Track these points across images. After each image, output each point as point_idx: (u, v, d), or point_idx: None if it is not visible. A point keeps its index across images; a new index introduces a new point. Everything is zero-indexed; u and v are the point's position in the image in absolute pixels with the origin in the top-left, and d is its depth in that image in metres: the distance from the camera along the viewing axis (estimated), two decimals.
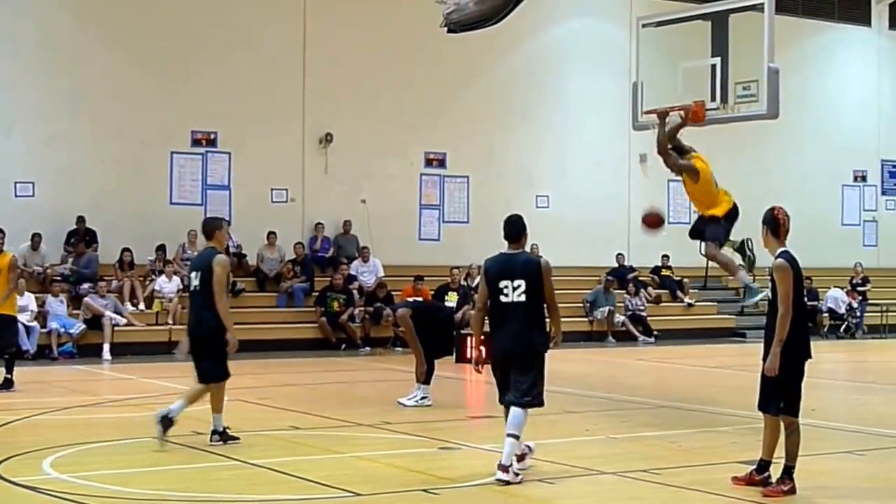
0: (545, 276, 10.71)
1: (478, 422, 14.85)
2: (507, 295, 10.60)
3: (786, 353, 9.73)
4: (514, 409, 10.52)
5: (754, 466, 10.13)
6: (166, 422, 12.20)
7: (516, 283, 10.58)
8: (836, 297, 32.77)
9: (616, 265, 31.66)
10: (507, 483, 10.17)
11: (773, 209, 10.22)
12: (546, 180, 32.01)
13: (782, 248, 10.11)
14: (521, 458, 10.64)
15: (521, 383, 10.54)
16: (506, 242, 10.89)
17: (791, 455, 9.89)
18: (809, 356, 9.91)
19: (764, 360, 9.88)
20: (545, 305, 10.81)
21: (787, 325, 9.68)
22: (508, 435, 10.39)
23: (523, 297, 10.56)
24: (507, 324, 10.61)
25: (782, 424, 9.92)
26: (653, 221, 14.66)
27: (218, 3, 28.02)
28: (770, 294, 9.97)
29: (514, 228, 10.96)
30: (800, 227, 40.72)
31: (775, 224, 10.12)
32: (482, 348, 10.98)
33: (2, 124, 26.09)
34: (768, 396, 9.91)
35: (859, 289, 33.58)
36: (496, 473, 10.31)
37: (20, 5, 26.32)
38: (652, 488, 10.31)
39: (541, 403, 10.67)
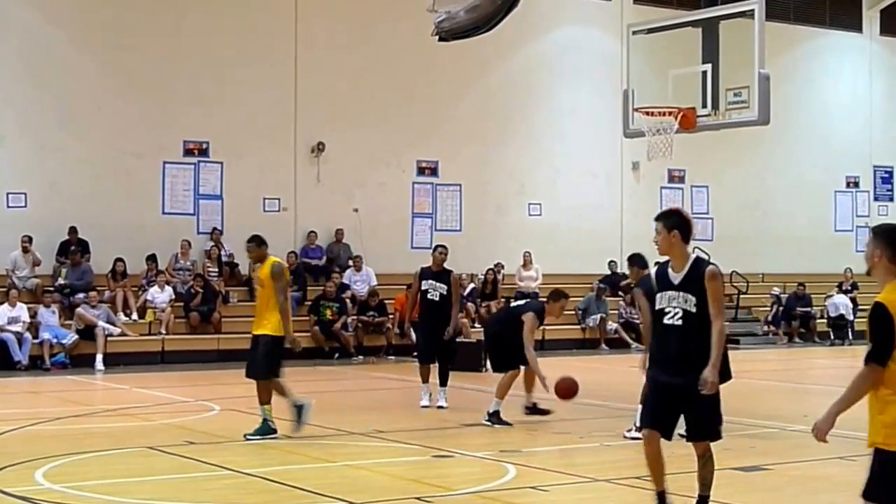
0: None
1: (471, 429, 14.83)
2: None
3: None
4: None
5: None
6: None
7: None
8: (836, 304, 32.53)
9: (608, 273, 31.64)
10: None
11: (679, 210, 9.16)
12: (538, 188, 32.01)
13: (697, 255, 8.90)
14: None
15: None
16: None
17: (709, 484, 9.08)
18: (730, 377, 9.49)
19: (670, 381, 8.75)
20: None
21: (724, 337, 8.67)
22: None
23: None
24: None
25: (695, 451, 9.04)
26: (567, 390, 14.15)
27: (209, 13, 27.99)
28: (690, 304, 8.64)
29: None
30: (793, 233, 40.94)
31: (688, 227, 8.82)
32: None
33: None
34: (700, 421, 8.84)
35: (849, 294, 33.53)
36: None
37: (7, 18, 26.25)
38: (645, 495, 10.29)
39: None
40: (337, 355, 26.13)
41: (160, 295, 25.72)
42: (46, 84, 26.42)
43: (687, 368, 8.61)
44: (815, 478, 11.13)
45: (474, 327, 27.48)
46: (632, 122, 19.63)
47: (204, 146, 27.82)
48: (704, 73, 18.63)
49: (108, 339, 24.13)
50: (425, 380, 17.20)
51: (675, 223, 8.82)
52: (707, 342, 8.60)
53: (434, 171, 30.61)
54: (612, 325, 29.82)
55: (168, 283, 26.04)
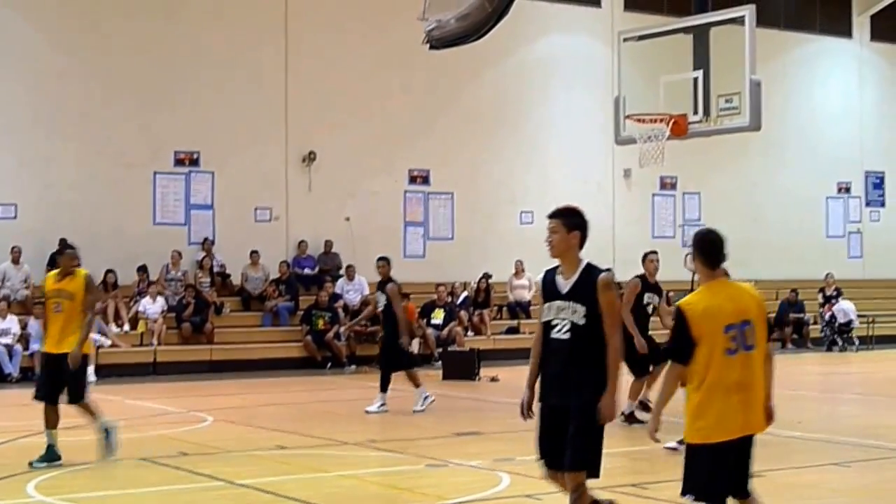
0: None
1: (464, 438, 14.79)
2: None
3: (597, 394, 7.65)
4: None
5: None
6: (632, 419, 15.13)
7: None
8: (845, 309, 32.22)
9: None
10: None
11: (580, 210, 8.37)
12: (530, 196, 31.93)
13: (588, 261, 8.19)
14: None
15: None
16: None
17: None
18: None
19: (556, 403, 7.75)
20: None
21: (620, 356, 7.81)
22: None
23: None
24: None
25: (567, 484, 7.82)
26: None
27: (199, 23, 27.96)
28: (579, 316, 7.87)
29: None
30: (785, 239, 40.72)
31: (587, 232, 8.30)
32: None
33: None
34: (572, 448, 7.68)
35: (833, 301, 33.13)
36: None
37: None
38: (640, 503, 10.27)
39: None
40: (329, 365, 26.09)
41: (152, 306, 25.65)
42: (36, 94, 26.35)
43: (571, 388, 7.64)
44: (809, 484, 11.10)
45: (467, 336, 27.46)
46: (623, 130, 19.63)
47: (195, 156, 27.76)
48: (696, 79, 18.64)
49: (100, 350, 24.06)
50: (416, 384, 17.43)
51: (577, 224, 8.06)
52: (595, 360, 7.65)
53: (426, 180, 30.58)
54: None
55: (160, 293, 25.97)
